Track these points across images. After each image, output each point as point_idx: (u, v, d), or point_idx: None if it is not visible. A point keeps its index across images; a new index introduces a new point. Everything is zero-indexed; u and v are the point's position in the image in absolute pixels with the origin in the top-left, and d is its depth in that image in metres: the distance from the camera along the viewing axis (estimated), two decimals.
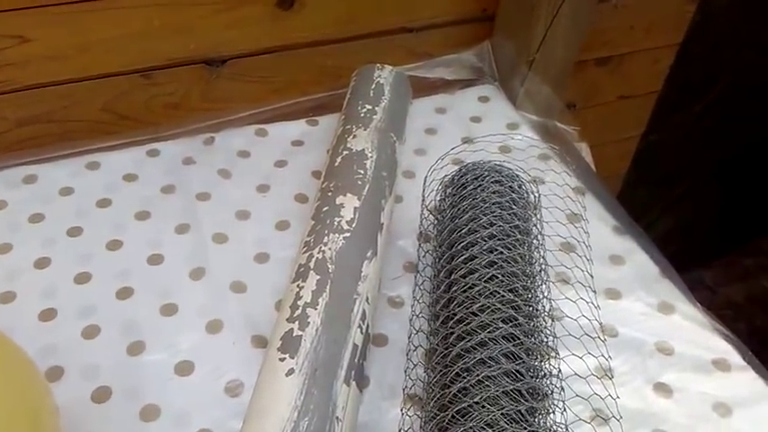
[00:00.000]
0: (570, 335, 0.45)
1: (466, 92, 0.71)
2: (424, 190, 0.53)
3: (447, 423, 0.36)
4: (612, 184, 1.01)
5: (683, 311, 0.50)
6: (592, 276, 0.49)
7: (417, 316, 0.47)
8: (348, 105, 0.57)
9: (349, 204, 0.46)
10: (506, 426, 0.35)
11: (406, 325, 0.47)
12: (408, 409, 0.41)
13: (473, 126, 0.67)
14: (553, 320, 0.45)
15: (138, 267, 0.51)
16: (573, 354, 0.43)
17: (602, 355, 0.45)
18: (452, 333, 0.41)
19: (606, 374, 0.44)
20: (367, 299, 0.42)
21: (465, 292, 0.43)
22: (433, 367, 0.41)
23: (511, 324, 0.40)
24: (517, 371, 0.38)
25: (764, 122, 1.04)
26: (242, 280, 0.50)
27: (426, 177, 0.54)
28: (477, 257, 0.44)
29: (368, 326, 0.41)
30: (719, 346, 0.47)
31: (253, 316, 0.48)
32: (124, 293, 0.49)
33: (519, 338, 0.40)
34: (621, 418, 0.41)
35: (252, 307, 0.48)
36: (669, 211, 1.09)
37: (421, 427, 0.39)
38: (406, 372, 0.42)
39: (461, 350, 0.40)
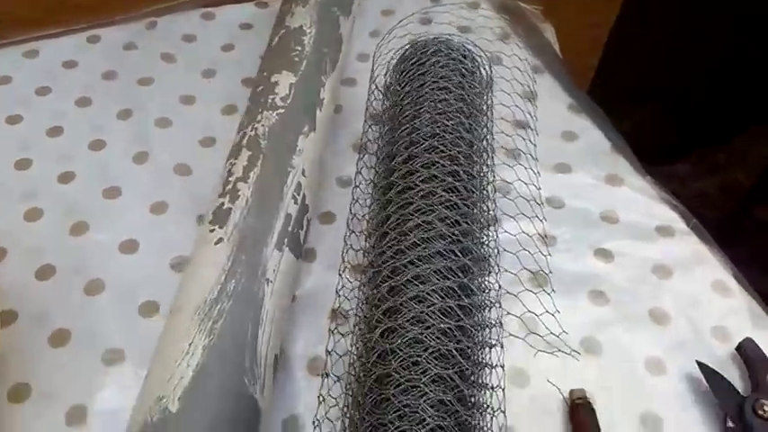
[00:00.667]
0: (513, 202, 0.45)
1: None
2: (373, 68, 0.52)
3: (381, 280, 0.37)
4: (584, 77, 0.99)
5: (632, 183, 0.49)
6: (534, 145, 0.49)
7: (357, 186, 0.46)
8: None
9: (284, 81, 0.45)
10: (438, 280, 0.35)
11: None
12: (345, 273, 0.41)
13: (432, 7, 0.64)
14: (495, 191, 0.44)
15: (80, 152, 0.50)
16: (510, 217, 0.44)
17: (540, 219, 0.45)
18: (391, 201, 0.41)
19: (545, 240, 0.45)
20: (303, 171, 0.41)
21: (407, 163, 0.43)
22: (372, 232, 0.41)
23: (451, 193, 0.40)
24: (452, 233, 0.38)
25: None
26: (186, 163, 0.50)
27: (375, 54, 0.52)
28: (420, 129, 0.43)
29: (303, 197, 0.41)
30: (665, 214, 0.48)
31: (197, 197, 0.47)
32: (66, 178, 0.48)
33: (458, 206, 0.40)
34: (551, 273, 0.42)
35: (197, 188, 0.48)
36: (641, 107, 1.07)
37: (360, 288, 0.39)
38: (345, 239, 0.42)
39: (400, 216, 0.40)
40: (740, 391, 0.38)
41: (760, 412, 0.36)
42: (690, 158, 1.25)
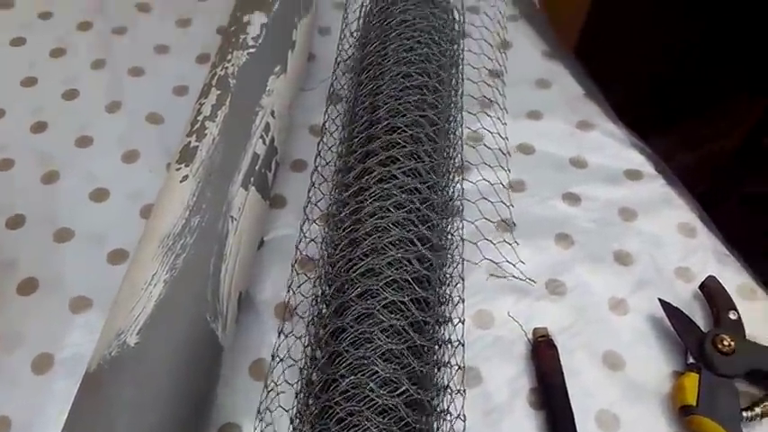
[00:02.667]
0: (478, 153, 0.45)
1: None
2: (344, 13, 0.51)
3: (344, 233, 0.37)
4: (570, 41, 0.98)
5: (604, 128, 0.50)
6: (503, 96, 0.49)
7: (331, 133, 0.46)
8: None
9: (256, 21, 0.45)
10: (398, 231, 0.35)
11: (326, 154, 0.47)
12: (310, 224, 0.41)
13: None
14: (462, 142, 0.44)
15: (53, 103, 0.50)
16: (475, 167, 0.44)
17: (506, 170, 0.45)
18: (355, 152, 0.41)
19: (508, 191, 0.44)
20: (272, 112, 0.41)
21: (373, 113, 0.42)
22: (338, 185, 0.41)
23: (415, 144, 0.40)
24: (416, 188, 0.38)
25: None
26: (159, 112, 0.50)
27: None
28: (384, 86, 0.43)
29: (272, 138, 0.41)
30: (634, 158, 0.48)
31: (170, 146, 0.47)
32: (38, 128, 0.48)
33: (422, 158, 0.40)
34: (515, 225, 0.42)
35: (169, 138, 0.48)
36: (626, 80, 1.07)
37: (323, 239, 0.39)
38: (309, 192, 0.41)
39: (366, 167, 0.40)
40: (702, 327, 0.39)
41: (719, 346, 0.37)
42: (667, 133, 1.26)
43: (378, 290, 0.32)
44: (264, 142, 0.40)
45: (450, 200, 0.40)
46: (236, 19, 0.45)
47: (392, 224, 0.35)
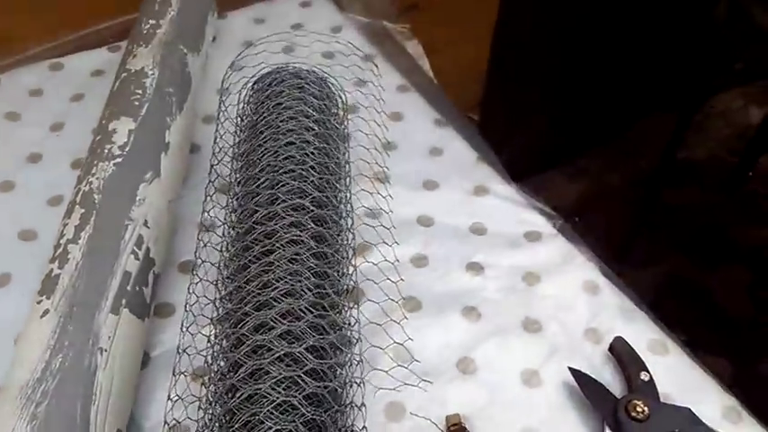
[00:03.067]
0: (374, 229, 0.43)
1: None
2: (220, 101, 0.50)
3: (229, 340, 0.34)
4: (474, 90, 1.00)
5: (498, 192, 0.49)
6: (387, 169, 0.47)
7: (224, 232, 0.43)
8: (134, 25, 0.52)
9: (122, 128, 0.42)
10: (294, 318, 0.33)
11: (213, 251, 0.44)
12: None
13: (295, 35, 0.63)
14: (352, 221, 0.42)
15: None
16: (372, 245, 0.42)
17: (389, 245, 0.43)
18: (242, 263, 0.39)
19: (394, 266, 0.43)
20: (145, 222, 0.39)
21: (254, 215, 0.40)
22: (225, 283, 0.39)
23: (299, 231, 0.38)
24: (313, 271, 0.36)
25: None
26: (33, 228, 0.46)
27: (222, 87, 0.50)
28: (263, 172, 0.41)
29: (147, 250, 0.38)
30: (532, 219, 0.47)
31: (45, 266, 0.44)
32: None
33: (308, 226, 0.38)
34: (402, 299, 0.41)
35: (45, 256, 0.44)
36: (542, 109, 1.09)
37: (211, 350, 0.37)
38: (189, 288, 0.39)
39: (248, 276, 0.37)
40: (616, 392, 0.38)
41: (633, 414, 0.36)
42: (591, 154, 1.29)
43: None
44: (137, 257, 0.37)
45: (347, 291, 0.38)
46: (101, 128, 0.43)
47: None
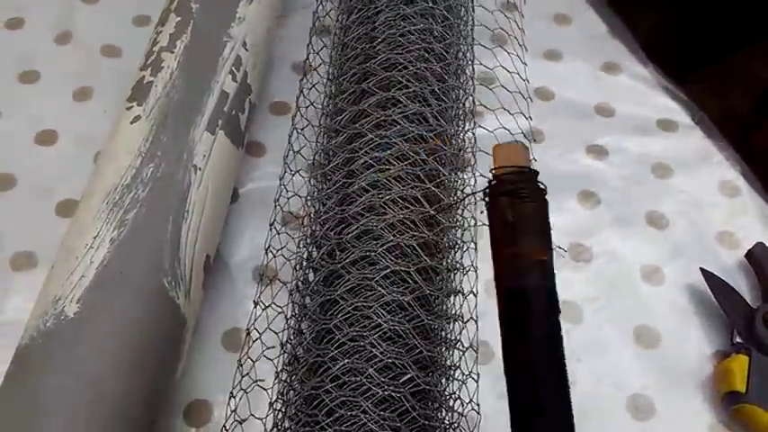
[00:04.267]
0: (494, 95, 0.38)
1: None
2: None
3: (335, 187, 0.30)
4: None
5: (631, 71, 0.43)
6: (522, 31, 0.41)
7: (316, 69, 0.38)
8: None
9: None
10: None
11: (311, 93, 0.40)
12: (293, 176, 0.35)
13: None
14: (473, 82, 0.37)
15: None
16: (491, 111, 0.37)
17: (526, 117, 0.38)
18: (347, 91, 0.34)
19: (529, 140, 0.38)
20: (244, 44, 0.34)
21: (369, 45, 0.35)
22: (326, 131, 0.34)
23: (420, 84, 0.33)
24: (421, 136, 0.31)
25: None
26: (116, 44, 0.42)
27: None
28: (380, 14, 0.36)
29: (245, 74, 0.34)
30: (668, 105, 0.42)
31: (129, 84, 0.40)
32: None
33: (428, 100, 0.33)
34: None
35: (128, 73, 0.41)
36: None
37: (308, 194, 0.33)
38: (290, 137, 0.35)
39: (360, 109, 0.33)
40: (750, 302, 0.33)
41: None
42: (693, 78, 1.19)
43: (376, 256, 0.26)
44: (235, 78, 0.33)
45: (461, 150, 0.34)
46: None
47: (393, 179, 0.29)
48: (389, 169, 0.29)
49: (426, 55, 0.34)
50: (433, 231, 0.27)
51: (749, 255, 0.35)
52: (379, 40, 0.33)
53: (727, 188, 0.38)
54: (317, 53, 0.37)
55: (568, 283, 0.34)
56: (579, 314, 0.33)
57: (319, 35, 0.39)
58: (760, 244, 0.35)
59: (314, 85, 0.36)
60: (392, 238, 0.26)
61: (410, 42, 0.34)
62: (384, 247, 0.26)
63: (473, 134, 0.34)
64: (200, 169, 0.29)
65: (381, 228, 0.26)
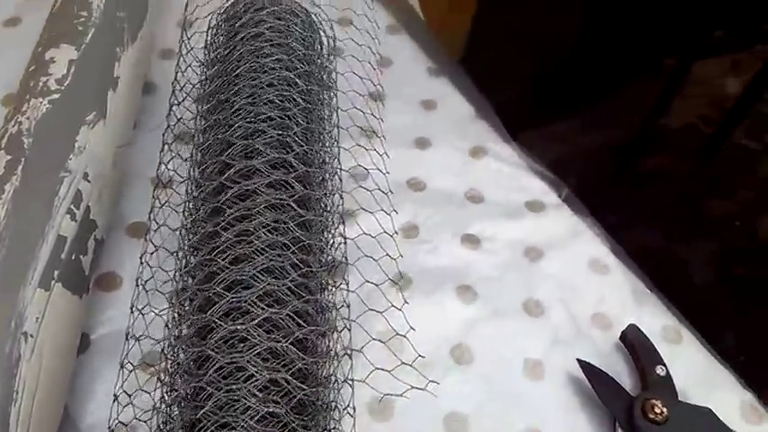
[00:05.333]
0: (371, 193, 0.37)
1: None
2: (183, 33, 0.42)
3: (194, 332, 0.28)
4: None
5: (497, 153, 0.43)
6: (381, 121, 0.41)
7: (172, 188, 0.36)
8: None
9: (62, 57, 0.35)
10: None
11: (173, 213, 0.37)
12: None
13: None
14: (338, 176, 0.36)
15: None
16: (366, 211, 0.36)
17: (387, 212, 0.37)
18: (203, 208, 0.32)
19: (393, 237, 0.37)
20: (85, 175, 0.32)
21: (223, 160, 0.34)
22: (186, 253, 0.32)
23: (282, 191, 0.32)
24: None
25: None
26: None
27: (185, 17, 0.42)
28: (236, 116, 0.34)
29: (87, 210, 0.32)
30: (534, 186, 0.42)
31: None
32: None
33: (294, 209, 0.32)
34: (402, 278, 0.35)
35: None
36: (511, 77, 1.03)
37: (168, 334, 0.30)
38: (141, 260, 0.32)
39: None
40: (628, 388, 0.34)
41: (651, 415, 0.32)
42: (570, 116, 1.25)
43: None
44: (74, 218, 0.31)
45: (332, 266, 0.32)
46: (36, 56, 0.36)
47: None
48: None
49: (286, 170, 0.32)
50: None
51: (623, 337, 0.35)
52: (234, 168, 0.32)
53: (597, 266, 0.39)
54: (175, 171, 0.35)
55: (456, 389, 0.34)
56: (464, 426, 0.32)
57: (177, 144, 0.37)
58: (632, 326, 0.35)
59: (168, 200, 0.34)
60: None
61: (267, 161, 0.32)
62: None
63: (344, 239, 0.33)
64: (31, 336, 0.27)
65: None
